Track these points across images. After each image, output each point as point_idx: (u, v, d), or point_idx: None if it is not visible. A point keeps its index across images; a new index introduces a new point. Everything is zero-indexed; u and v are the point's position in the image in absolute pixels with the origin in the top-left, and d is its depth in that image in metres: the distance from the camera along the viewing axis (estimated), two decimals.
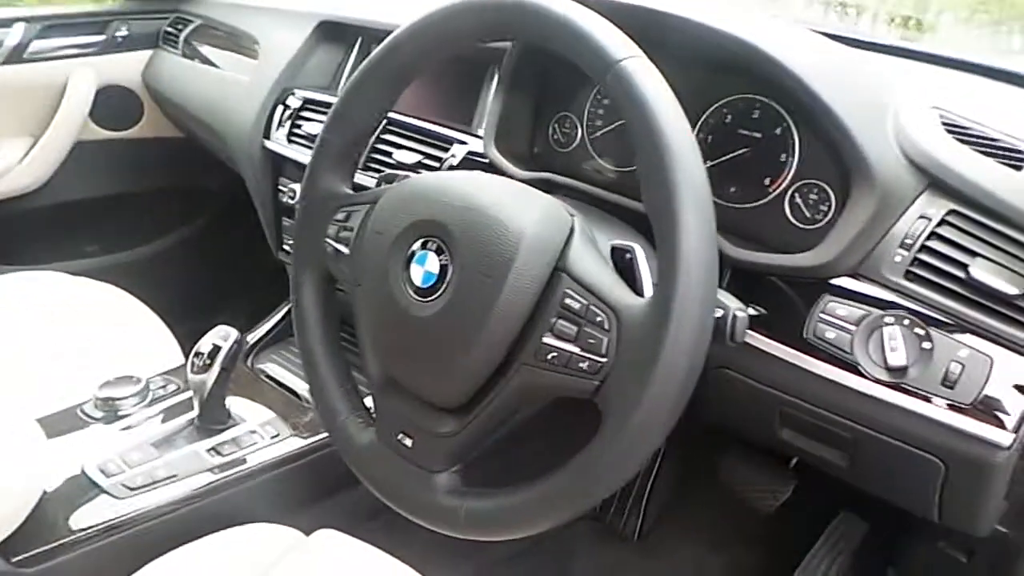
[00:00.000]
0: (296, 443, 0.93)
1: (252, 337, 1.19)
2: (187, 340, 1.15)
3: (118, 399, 0.94)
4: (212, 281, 1.69)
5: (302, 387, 1.07)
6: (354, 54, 1.17)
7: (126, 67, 1.54)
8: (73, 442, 0.90)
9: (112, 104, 1.54)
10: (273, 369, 1.11)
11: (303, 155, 1.09)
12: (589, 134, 0.84)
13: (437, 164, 0.93)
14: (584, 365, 0.50)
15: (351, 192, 0.69)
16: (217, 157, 1.46)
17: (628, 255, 0.54)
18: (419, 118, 0.99)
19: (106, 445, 0.89)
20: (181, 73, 1.44)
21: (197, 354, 0.90)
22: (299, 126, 1.10)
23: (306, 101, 1.12)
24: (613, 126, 0.82)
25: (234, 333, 0.91)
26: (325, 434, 0.94)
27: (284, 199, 1.13)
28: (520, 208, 0.54)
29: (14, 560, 0.75)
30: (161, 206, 1.66)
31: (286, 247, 1.16)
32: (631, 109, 0.49)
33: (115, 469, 0.84)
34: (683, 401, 0.48)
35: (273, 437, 0.92)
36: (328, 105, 1.10)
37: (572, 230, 0.54)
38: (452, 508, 0.56)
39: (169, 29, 1.52)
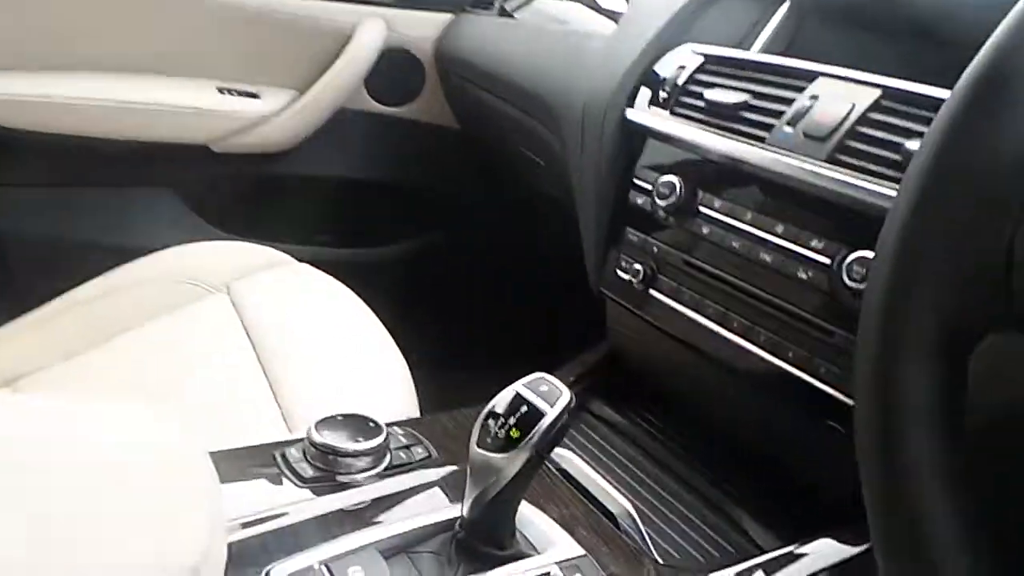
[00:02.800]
0: None
1: None
2: (424, 383, 0.79)
3: (343, 455, 0.55)
4: (469, 309, 1.33)
5: (615, 499, 0.63)
6: (784, 6, 0.76)
7: (419, 29, 1.26)
8: (256, 506, 0.52)
9: (392, 73, 1.26)
10: (569, 462, 0.68)
11: (691, 133, 0.68)
12: None
13: None
14: None
15: None
16: (491, 156, 1.11)
17: None
18: None
19: (307, 534, 0.50)
20: (495, 36, 1.12)
21: (492, 415, 0.49)
22: (690, 92, 0.70)
23: (707, 59, 0.72)
24: None
25: (566, 392, 0.49)
26: None
27: (636, 199, 0.73)
28: None
29: None
30: (416, 203, 1.34)
31: (620, 271, 0.74)
32: None
33: None
34: None
35: None
36: (748, 64, 0.69)
37: None
38: None
39: None
